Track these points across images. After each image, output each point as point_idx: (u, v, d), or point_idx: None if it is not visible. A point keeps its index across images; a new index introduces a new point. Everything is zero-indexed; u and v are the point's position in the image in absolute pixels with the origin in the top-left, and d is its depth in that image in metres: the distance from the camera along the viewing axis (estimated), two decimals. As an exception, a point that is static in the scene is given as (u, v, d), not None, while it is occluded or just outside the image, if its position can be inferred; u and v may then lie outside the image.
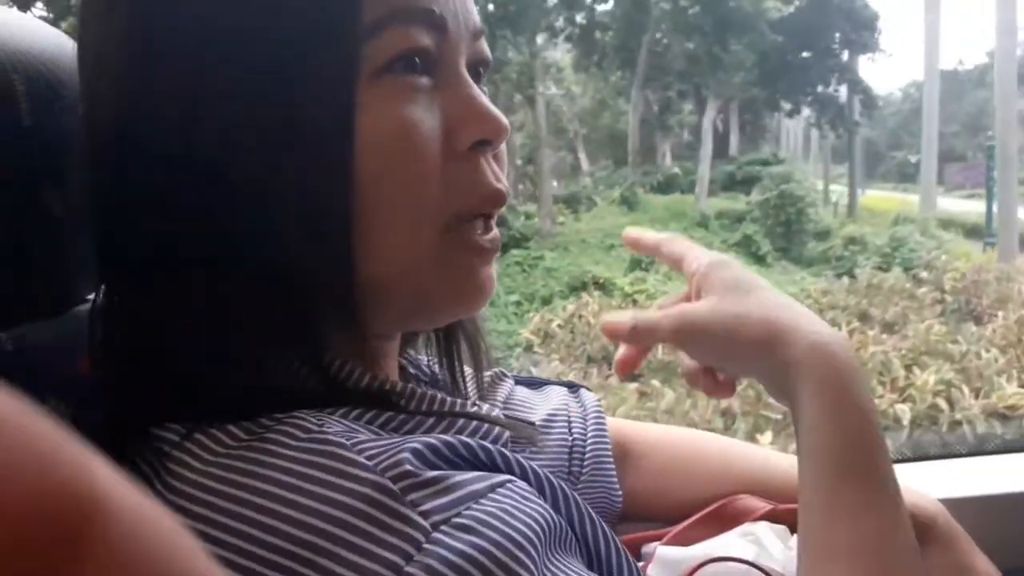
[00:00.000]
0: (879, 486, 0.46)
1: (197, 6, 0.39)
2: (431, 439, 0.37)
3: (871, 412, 0.48)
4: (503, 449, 0.40)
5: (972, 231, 14.59)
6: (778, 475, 0.66)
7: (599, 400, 0.70)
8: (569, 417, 0.66)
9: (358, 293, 0.42)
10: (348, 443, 0.35)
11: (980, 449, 0.86)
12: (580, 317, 5.28)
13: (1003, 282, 5.61)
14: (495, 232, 0.47)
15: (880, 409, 3.12)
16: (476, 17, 0.46)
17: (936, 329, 4.43)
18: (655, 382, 4.01)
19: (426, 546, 0.33)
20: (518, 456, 0.41)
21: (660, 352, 4.64)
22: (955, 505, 0.64)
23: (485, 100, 0.45)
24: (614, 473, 0.66)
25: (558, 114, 16.21)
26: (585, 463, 0.65)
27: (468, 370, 0.59)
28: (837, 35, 17.29)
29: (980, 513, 0.70)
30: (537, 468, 0.41)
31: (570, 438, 0.65)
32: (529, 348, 5.29)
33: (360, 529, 0.33)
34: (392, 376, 0.49)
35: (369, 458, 0.35)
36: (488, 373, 0.64)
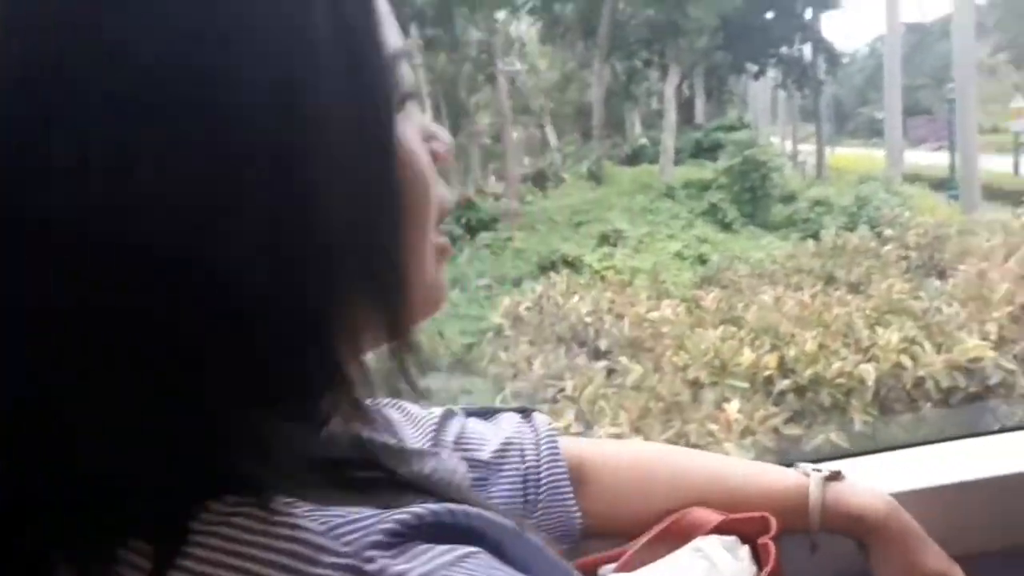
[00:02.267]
0: None
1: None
2: (402, 514, 0.36)
3: None
4: (468, 509, 0.39)
5: (939, 184, 14.71)
6: (732, 482, 0.67)
7: (551, 424, 0.71)
8: (522, 445, 0.67)
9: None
10: (320, 528, 0.34)
11: (927, 438, 0.87)
12: (548, 298, 5.28)
13: (965, 236, 5.64)
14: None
15: (846, 371, 3.14)
16: None
17: (899, 287, 4.45)
18: (623, 359, 4.01)
19: None
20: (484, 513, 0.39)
21: (626, 329, 4.66)
22: (907, 498, 0.66)
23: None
24: (571, 495, 0.67)
25: (524, 90, 16.12)
26: (541, 489, 0.66)
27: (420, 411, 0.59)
28: (798, -6, 17.27)
29: (933, 503, 0.72)
30: (496, 517, 0.40)
31: (523, 466, 0.66)
32: (500, 332, 5.30)
33: None
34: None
35: (339, 541, 0.34)
36: (438, 411, 0.64)
